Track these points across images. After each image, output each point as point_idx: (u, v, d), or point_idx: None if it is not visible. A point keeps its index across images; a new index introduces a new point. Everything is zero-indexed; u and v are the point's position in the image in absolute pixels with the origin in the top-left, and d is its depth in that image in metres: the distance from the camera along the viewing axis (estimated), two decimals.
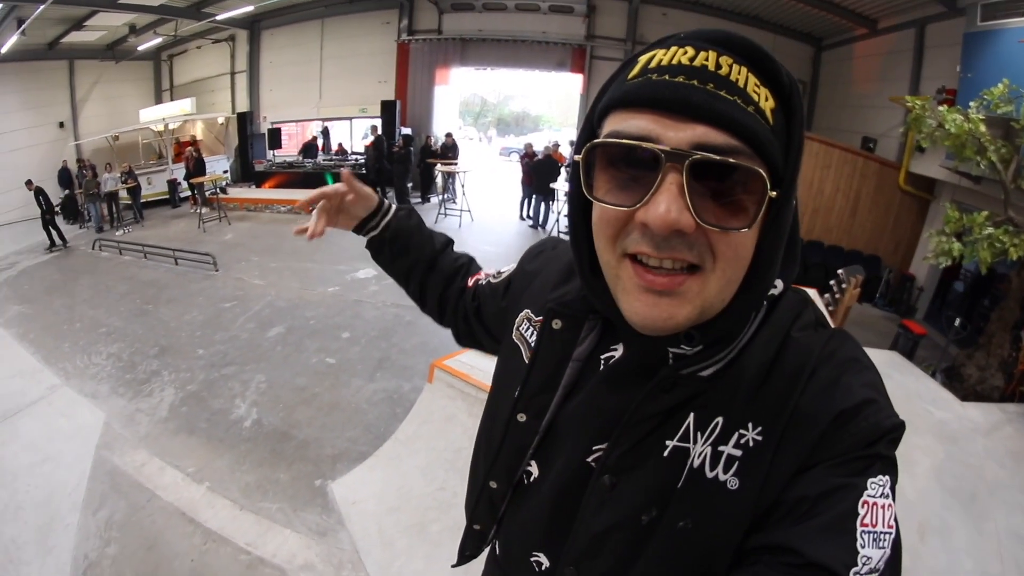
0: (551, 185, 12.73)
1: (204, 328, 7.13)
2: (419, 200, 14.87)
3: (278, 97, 18.53)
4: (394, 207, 1.32)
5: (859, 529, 0.61)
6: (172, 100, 20.08)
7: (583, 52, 15.31)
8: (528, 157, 13.32)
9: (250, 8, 15.91)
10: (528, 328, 0.98)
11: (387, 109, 15.60)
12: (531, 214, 13.56)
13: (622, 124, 0.65)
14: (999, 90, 6.52)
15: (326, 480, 4.39)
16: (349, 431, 5.07)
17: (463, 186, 13.04)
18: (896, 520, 0.64)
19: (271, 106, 18.72)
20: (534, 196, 13.25)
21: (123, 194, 14.85)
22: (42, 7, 12.53)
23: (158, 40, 18.56)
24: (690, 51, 0.63)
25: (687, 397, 0.72)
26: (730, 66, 0.63)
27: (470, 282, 1.27)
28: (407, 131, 15.13)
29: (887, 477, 0.64)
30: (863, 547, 0.60)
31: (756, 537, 0.66)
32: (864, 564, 0.60)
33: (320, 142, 18.18)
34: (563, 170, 13.02)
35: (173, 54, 20.78)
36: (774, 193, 0.63)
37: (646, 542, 0.72)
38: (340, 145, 18.36)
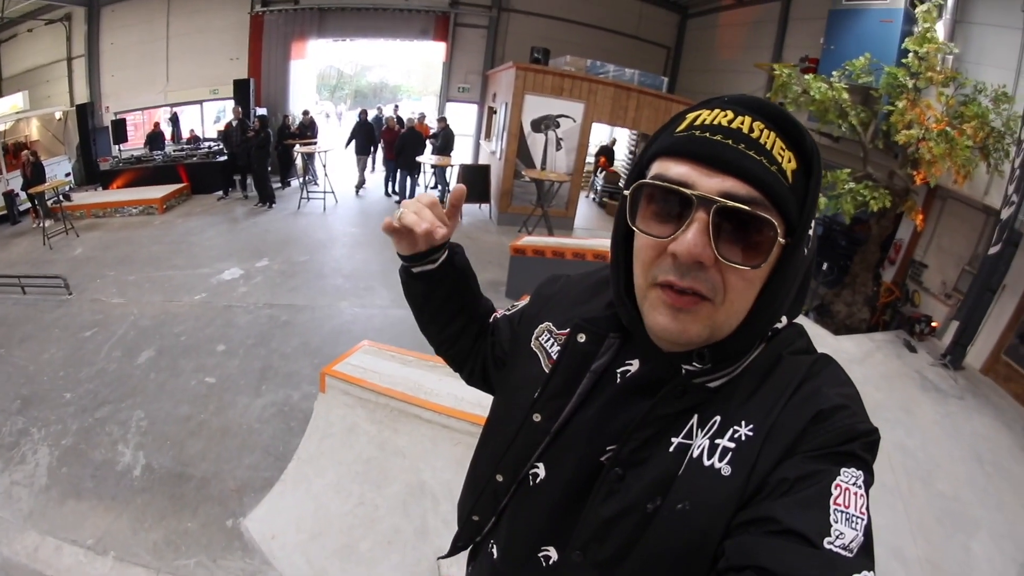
0: (416, 159, 12.28)
1: (66, 366, 6.28)
2: (279, 185, 13.97)
3: (121, 83, 16.37)
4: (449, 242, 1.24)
5: (832, 507, 0.67)
6: (1, 96, 16.95)
7: (447, 19, 15.03)
8: (390, 131, 12.81)
9: None
10: (549, 339, 1.06)
11: (240, 88, 14.49)
12: (396, 190, 13.12)
13: (666, 169, 0.78)
14: (861, 63, 7.61)
15: (237, 518, 4.07)
16: (247, 457, 4.71)
17: (324, 166, 12.42)
18: (869, 512, 0.69)
19: (114, 94, 16.52)
20: (399, 171, 12.76)
21: None
22: None
23: None
24: (730, 115, 0.76)
25: (694, 403, 0.82)
26: (761, 130, 0.75)
27: (490, 320, 1.33)
28: (262, 111, 14.06)
29: (860, 472, 0.71)
30: (836, 522, 0.66)
31: (743, 513, 0.71)
32: (837, 537, 0.65)
33: (169, 130, 16.49)
34: (427, 142, 12.66)
35: (0, 40, 17.25)
36: (784, 240, 0.76)
37: (649, 527, 0.78)
38: (192, 132, 16.72)
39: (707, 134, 0.75)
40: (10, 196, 13.83)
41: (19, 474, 4.79)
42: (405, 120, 13.82)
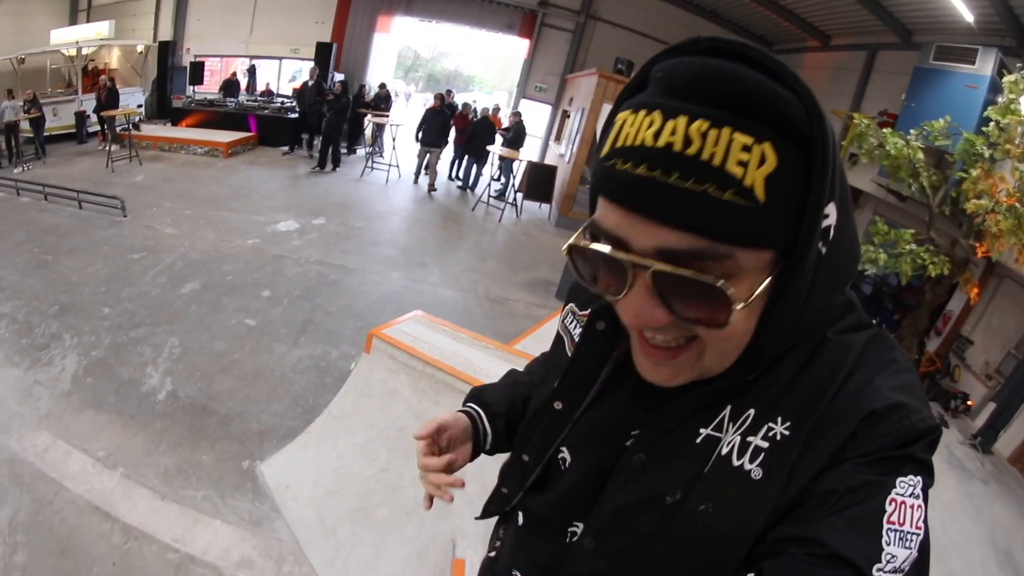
0: (487, 148, 12.22)
1: (110, 283, 6.30)
2: (345, 151, 14.02)
3: (205, 28, 16.77)
4: (485, 417, 1.19)
5: (885, 526, 0.59)
6: (89, 21, 17.52)
7: (534, 17, 15.07)
8: (463, 118, 12.73)
9: None
10: (572, 321, 1.00)
11: (322, 51, 14.66)
12: (460, 175, 13.10)
13: (602, 214, 0.65)
14: (940, 124, 7.27)
15: (254, 461, 3.96)
16: (275, 403, 4.59)
17: (394, 139, 12.43)
18: (926, 523, 0.62)
19: (196, 37, 16.93)
20: (466, 157, 12.78)
21: (24, 125, 13.02)
22: None
23: None
24: (656, 121, 0.57)
25: (726, 392, 0.72)
26: (703, 135, 0.54)
27: None
28: (341, 77, 14.05)
29: (919, 478, 0.62)
30: (888, 544, 0.59)
31: (783, 529, 0.64)
32: (888, 562, 0.58)
33: (244, 81, 16.79)
34: (498, 135, 12.63)
35: None
36: (766, 279, 0.61)
37: (667, 524, 0.72)
38: (268, 86, 17.03)
39: (629, 165, 0.58)
40: (81, 116, 14.41)
41: (44, 375, 4.78)
42: (480, 110, 13.65)
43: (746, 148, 0.54)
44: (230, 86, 16.02)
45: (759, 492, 0.66)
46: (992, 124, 6.86)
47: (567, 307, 1.04)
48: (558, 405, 0.93)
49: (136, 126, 13.20)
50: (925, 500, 0.62)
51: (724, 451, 0.70)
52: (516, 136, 12.55)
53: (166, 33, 17.05)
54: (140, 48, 16.82)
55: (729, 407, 0.72)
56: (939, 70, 8.93)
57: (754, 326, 0.66)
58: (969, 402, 7.99)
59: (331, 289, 6.65)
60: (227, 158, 12.33)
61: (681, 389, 0.74)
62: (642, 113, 0.59)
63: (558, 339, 1.05)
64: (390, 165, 12.35)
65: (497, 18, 15.36)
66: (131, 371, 4.84)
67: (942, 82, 8.83)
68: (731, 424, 0.71)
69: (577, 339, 0.95)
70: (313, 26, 15.57)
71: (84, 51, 15.61)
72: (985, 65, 8.26)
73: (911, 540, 0.60)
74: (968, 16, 8.99)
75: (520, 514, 1.05)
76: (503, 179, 12.33)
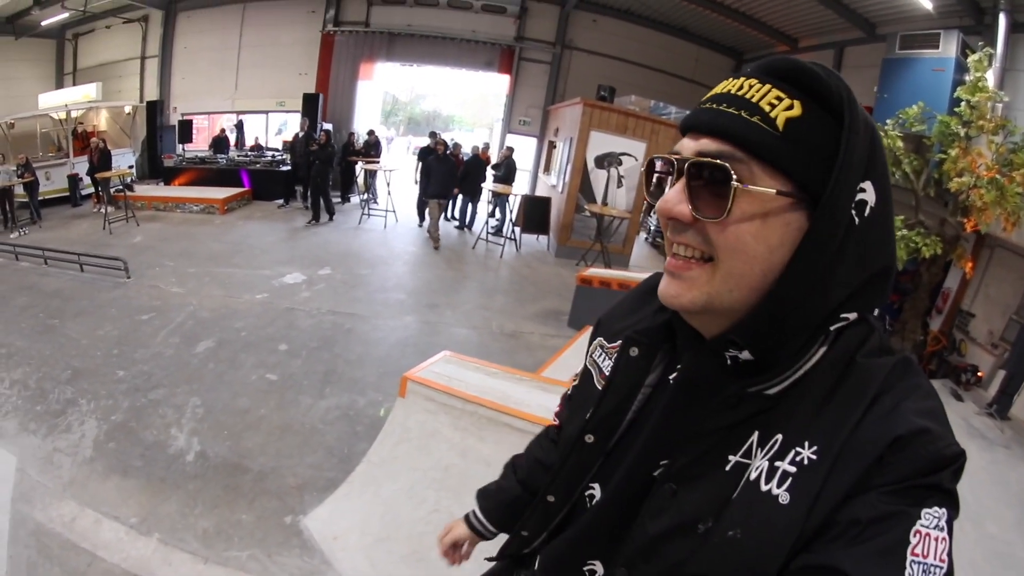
0: (480, 185, 12.38)
1: (121, 345, 6.21)
2: (339, 200, 14.14)
3: (190, 86, 17.21)
4: (479, 516, 1.43)
5: (909, 558, 0.60)
6: (75, 85, 18.07)
7: (511, 53, 15.37)
8: (454, 158, 12.79)
9: None
10: (601, 355, 1.03)
11: (309, 102, 14.91)
12: (456, 215, 13.13)
13: (676, 146, 0.80)
14: (914, 111, 7.75)
15: (297, 515, 3.84)
16: (309, 456, 4.48)
17: (388, 185, 12.51)
18: (950, 556, 0.62)
19: (182, 96, 17.36)
20: (460, 196, 12.77)
21: (19, 190, 12.99)
22: None
23: (64, 15, 16.73)
24: (731, 81, 0.77)
25: (751, 414, 0.76)
26: (752, 86, 0.74)
27: (555, 422, 1.38)
28: (328, 127, 14.26)
29: (944, 510, 0.63)
30: None
31: (807, 556, 0.64)
32: None
33: (233, 136, 17.03)
34: (489, 171, 12.72)
35: (79, 33, 18.80)
36: (773, 191, 0.70)
37: (699, 550, 0.72)
38: (256, 140, 17.28)
39: (703, 105, 0.77)
40: (74, 179, 14.55)
41: (63, 442, 4.65)
42: (471, 149, 13.77)
43: (779, 98, 0.71)
44: (220, 142, 16.17)
45: (786, 517, 0.66)
46: (963, 104, 7.30)
47: (595, 342, 1.08)
48: (589, 438, 0.95)
49: (130, 187, 13.17)
50: (950, 533, 0.63)
51: (753, 476, 0.71)
52: (508, 171, 12.68)
53: (152, 93, 17.42)
54: (128, 109, 17.23)
55: (757, 433, 0.74)
56: (906, 58, 9.24)
57: (772, 266, 0.71)
58: (979, 373, 8.22)
59: (347, 337, 6.58)
60: (223, 214, 12.37)
61: (714, 405, 0.79)
62: (728, 80, 0.78)
63: (586, 374, 1.07)
64: (387, 211, 12.40)
65: (476, 56, 15.60)
66: (155, 433, 4.72)
67: (911, 70, 9.14)
68: (759, 450, 0.73)
69: (608, 370, 0.98)
70: (297, 78, 15.88)
71: (73, 114, 15.92)
72: (949, 47, 8.60)
73: (935, 573, 0.61)
74: (927, 3, 9.35)
75: (540, 559, 1.06)
76: (499, 215, 12.37)
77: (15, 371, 5.71)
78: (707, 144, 0.73)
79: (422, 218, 12.52)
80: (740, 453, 0.74)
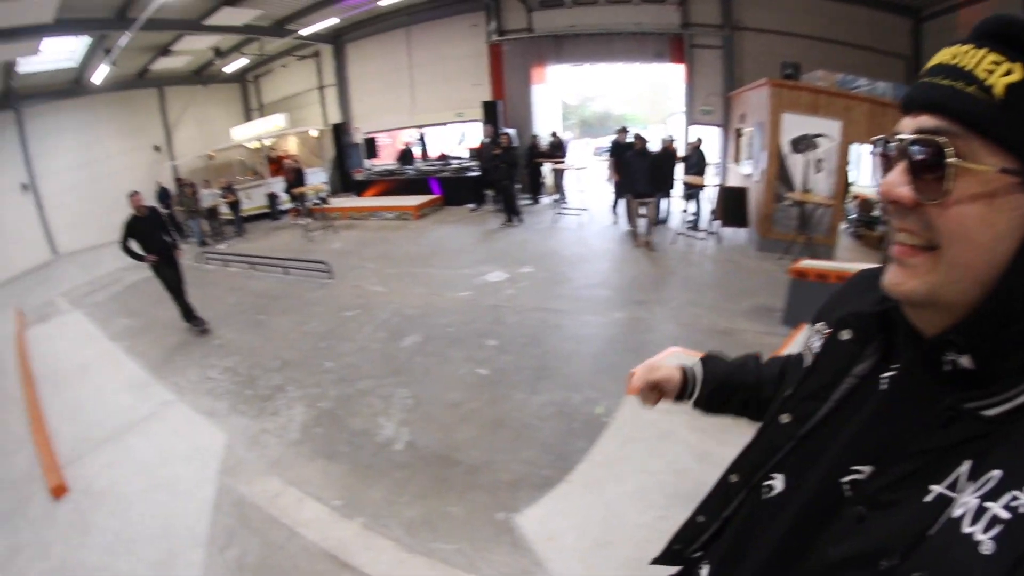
0: (672, 178, 11.97)
1: (328, 339, 6.62)
2: (530, 200, 14.52)
3: (369, 107, 19.17)
4: (698, 371, 1.34)
5: None
6: (262, 117, 21.11)
7: (681, 41, 14.90)
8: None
9: (335, 21, 16.33)
10: (816, 339, 1.00)
11: (489, 110, 15.52)
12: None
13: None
14: None
15: (509, 513, 3.67)
16: (524, 452, 4.33)
17: (579, 181, 12.69)
18: None
19: (363, 116, 19.35)
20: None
21: (224, 209, 15.61)
22: (127, 36, 13.37)
23: (244, 61, 19.87)
24: (946, 50, 0.73)
25: (965, 438, 0.67)
26: (966, 53, 0.69)
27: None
28: (510, 131, 14.60)
29: None
30: None
31: None
32: None
33: (418, 149, 18.40)
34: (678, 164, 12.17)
35: (259, 75, 22.60)
36: (995, 168, 0.64)
37: None
38: (441, 151, 18.47)
39: (920, 79, 0.74)
40: (272, 197, 16.91)
41: (271, 424, 4.97)
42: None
43: (996, 63, 0.66)
44: (405, 155, 17.69)
45: (984, 570, 0.56)
46: None
47: (813, 327, 1.04)
48: (785, 418, 0.92)
49: (325, 200, 14.84)
50: None
51: (956, 513, 0.62)
52: (699, 163, 12.18)
53: (334, 117, 19.78)
54: (314, 133, 19.51)
55: (968, 464, 0.65)
56: None
57: (999, 256, 0.65)
58: None
59: (556, 334, 6.46)
60: (417, 220, 13.18)
61: (923, 422, 0.71)
62: (944, 49, 0.73)
63: (798, 358, 1.06)
64: (580, 210, 12.36)
65: (646, 49, 15.28)
66: (362, 422, 4.87)
67: None
68: (969, 484, 0.63)
69: (817, 351, 0.96)
70: (471, 88, 16.66)
71: (265, 142, 18.60)
72: None
73: None
74: None
75: (705, 567, 1.04)
76: (694, 208, 11.77)
77: (227, 359, 6.30)
78: (924, 121, 0.70)
79: (629, 218, 12.17)
80: (945, 484, 0.65)
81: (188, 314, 7.40)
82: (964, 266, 0.67)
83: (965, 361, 0.69)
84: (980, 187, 0.65)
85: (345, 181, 18.39)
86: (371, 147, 18.56)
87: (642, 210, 10.47)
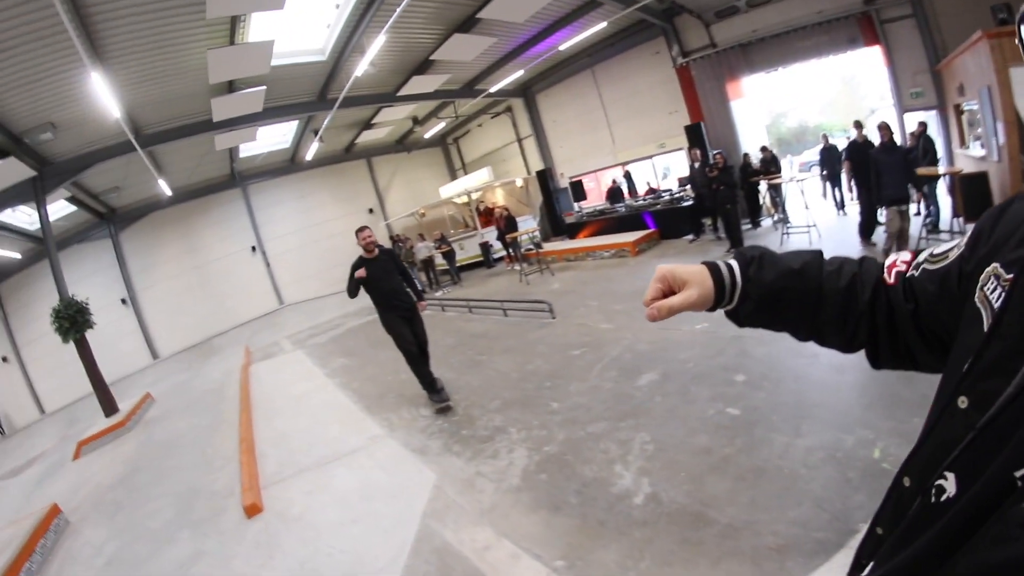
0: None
1: (553, 379, 6.17)
2: (749, 225, 13.57)
3: (570, 152, 19.86)
4: (736, 266, 1.10)
5: None
6: (466, 175, 23.07)
7: (870, 20, 13.36)
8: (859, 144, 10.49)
9: (520, 74, 16.82)
10: (994, 288, 0.76)
11: (693, 133, 15.06)
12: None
13: None
14: None
15: None
16: (791, 509, 3.46)
17: (803, 194, 11.32)
18: None
19: (566, 161, 20.06)
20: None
21: (439, 260, 16.95)
22: (329, 115, 15.14)
23: (441, 125, 21.74)
24: None
25: None
26: None
27: (890, 279, 1.03)
28: (718, 151, 13.85)
29: None
30: None
31: None
32: None
33: (625, 186, 18.38)
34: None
35: (457, 136, 25.06)
36: None
37: None
38: (648, 184, 18.43)
39: None
40: (485, 246, 17.83)
41: (487, 467, 4.58)
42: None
43: None
44: (614, 193, 17.69)
45: None
46: None
47: (988, 270, 0.78)
48: (962, 402, 0.72)
49: (539, 244, 14.82)
50: None
51: None
52: (927, 151, 10.32)
53: (536, 165, 20.72)
54: (519, 182, 20.51)
55: None
56: None
57: None
58: None
59: (813, 364, 5.47)
60: (635, 256, 12.79)
61: None
62: None
63: (971, 318, 0.79)
64: (808, 226, 11.07)
65: (836, 37, 13.89)
66: (595, 469, 4.27)
67: None
68: None
69: (998, 307, 0.73)
70: (668, 117, 16.46)
71: (473, 195, 19.83)
72: None
73: None
74: None
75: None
76: (931, 207, 9.80)
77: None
78: None
79: (866, 234, 10.44)
80: None
81: (429, 384, 6.28)
82: None
83: None
84: None
85: (556, 225, 18.83)
86: (578, 190, 18.79)
87: (896, 222, 8.87)
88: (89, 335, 11.22)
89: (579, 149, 19.33)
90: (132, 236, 19.14)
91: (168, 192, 16.28)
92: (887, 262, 1.06)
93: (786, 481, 3.73)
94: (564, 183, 19.54)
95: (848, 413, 4.45)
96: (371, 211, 23.37)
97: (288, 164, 21.35)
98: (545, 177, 19.32)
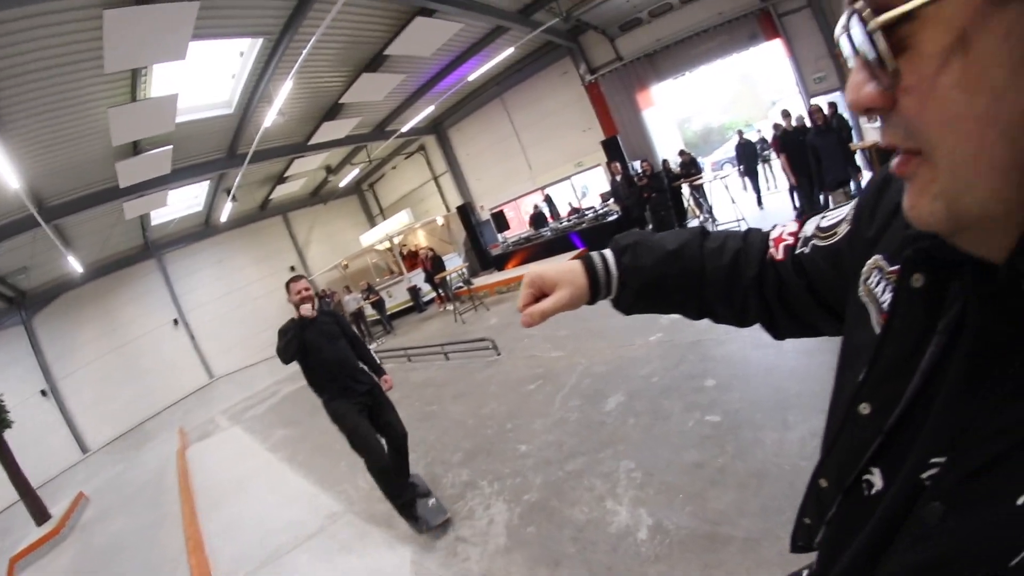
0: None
1: (513, 419, 5.82)
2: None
3: (488, 184, 19.94)
4: (610, 256, 1.09)
5: None
6: (385, 219, 23.01)
7: (768, 15, 14.09)
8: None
9: (431, 110, 16.77)
10: (879, 281, 0.74)
11: (611, 146, 15.41)
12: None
13: None
14: None
15: None
16: None
17: (727, 188, 11.79)
18: None
19: (484, 193, 20.08)
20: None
21: (368, 311, 16.57)
22: (241, 171, 14.80)
23: (355, 171, 21.69)
24: None
25: None
26: None
27: (778, 255, 1.01)
28: (639, 161, 14.32)
29: None
30: None
31: None
32: None
33: (547, 209, 18.42)
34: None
35: (372, 182, 25.17)
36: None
37: None
38: (570, 205, 18.45)
39: None
40: (414, 290, 17.42)
41: (467, 530, 4.24)
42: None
43: None
44: (538, 219, 17.63)
45: None
46: None
47: (869, 262, 0.76)
48: (864, 408, 0.70)
49: (468, 281, 14.73)
50: None
51: None
52: (840, 128, 10.37)
53: (455, 201, 20.72)
54: (440, 220, 20.42)
55: None
56: None
57: (1015, 106, 0.43)
58: None
59: (779, 352, 5.31)
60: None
61: (1003, 383, 0.53)
62: None
63: (857, 313, 0.77)
64: (737, 221, 11.20)
65: (738, 36, 14.63)
66: (585, 511, 3.93)
67: None
68: None
69: (887, 307, 0.70)
70: (582, 135, 16.78)
71: (395, 240, 19.58)
72: None
73: None
74: None
75: (816, 564, 0.89)
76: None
77: None
78: None
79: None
80: None
81: (409, 503, 4.47)
82: (963, 158, 0.47)
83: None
84: (939, 37, 0.44)
85: (483, 259, 18.80)
86: (500, 220, 18.69)
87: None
88: (8, 435, 10.29)
89: (496, 179, 19.39)
90: (46, 320, 18.17)
91: (79, 269, 15.46)
92: (774, 235, 1.04)
93: (789, 477, 3.54)
94: (485, 215, 19.44)
95: (828, 395, 4.29)
96: (292, 268, 23.03)
97: (203, 228, 20.83)
98: (466, 212, 19.26)
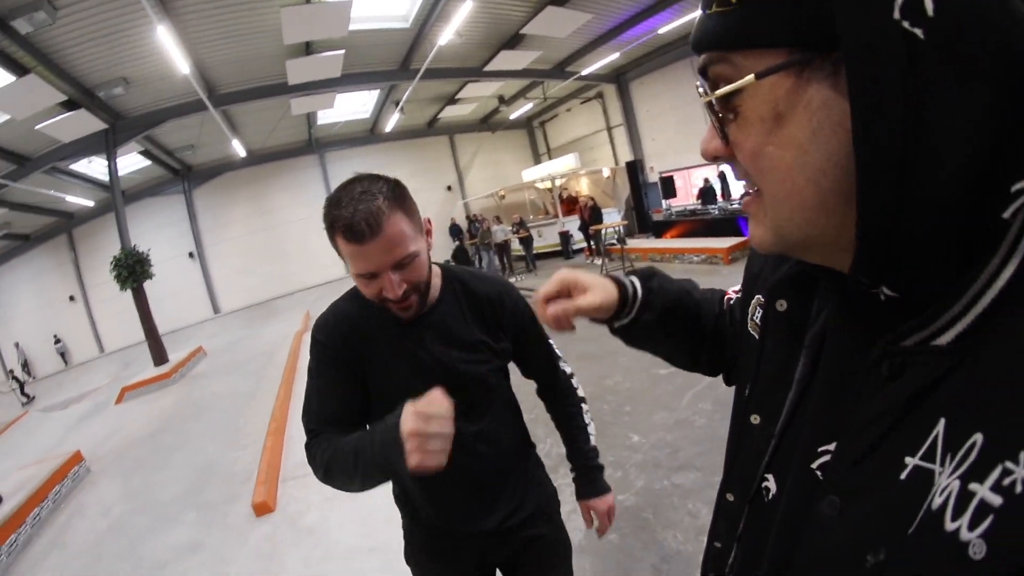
0: None
1: (633, 402, 5.31)
2: None
3: (662, 146, 18.96)
4: (637, 283, 1.07)
5: None
6: (550, 160, 22.47)
7: None
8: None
9: (615, 57, 16.06)
10: (757, 312, 0.85)
11: None
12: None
13: None
14: None
15: None
16: None
17: None
18: None
19: (657, 155, 19.13)
20: None
21: (515, 245, 16.39)
22: (412, 85, 14.77)
23: (528, 106, 21.26)
24: None
25: (925, 386, 0.52)
26: None
27: (725, 307, 1.14)
28: None
29: None
30: None
31: None
32: None
33: (718, 186, 17.29)
34: None
35: (544, 120, 24.77)
36: (751, 76, 0.54)
37: None
38: (745, 189, 16.84)
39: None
40: (565, 236, 17.10)
41: None
42: None
43: None
44: (707, 193, 16.65)
45: None
46: None
47: (753, 301, 0.87)
48: (755, 419, 0.80)
49: (623, 240, 14.06)
50: None
51: (936, 503, 0.47)
52: None
53: (625, 157, 19.94)
54: (606, 172, 19.67)
55: (943, 422, 0.49)
56: None
57: (820, 165, 0.52)
58: None
59: None
60: (728, 264, 11.89)
61: (871, 373, 0.57)
62: None
63: (748, 342, 0.86)
64: None
65: None
66: (679, 539, 3.37)
67: None
68: (948, 456, 0.48)
69: (759, 328, 0.83)
70: None
71: (557, 182, 19.03)
72: None
73: None
74: None
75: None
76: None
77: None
78: (703, 61, 0.60)
79: None
80: (920, 454, 0.50)
81: None
82: (788, 194, 0.57)
83: (886, 292, 0.56)
84: (757, 103, 0.55)
85: (643, 221, 18.04)
86: (668, 186, 17.79)
87: None
88: (154, 284, 11.67)
89: (673, 143, 18.33)
90: (205, 194, 19.72)
91: (242, 153, 16.37)
92: (722, 300, 1.14)
93: None
94: (654, 177, 18.60)
95: None
96: (449, 188, 23.26)
97: (367, 135, 21.33)
98: (635, 169, 18.52)
